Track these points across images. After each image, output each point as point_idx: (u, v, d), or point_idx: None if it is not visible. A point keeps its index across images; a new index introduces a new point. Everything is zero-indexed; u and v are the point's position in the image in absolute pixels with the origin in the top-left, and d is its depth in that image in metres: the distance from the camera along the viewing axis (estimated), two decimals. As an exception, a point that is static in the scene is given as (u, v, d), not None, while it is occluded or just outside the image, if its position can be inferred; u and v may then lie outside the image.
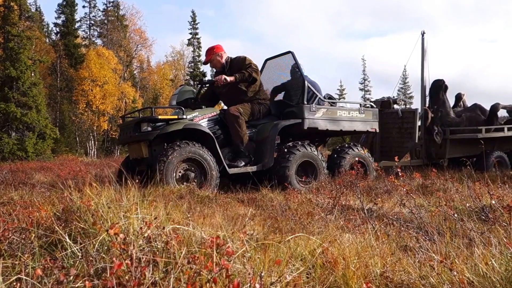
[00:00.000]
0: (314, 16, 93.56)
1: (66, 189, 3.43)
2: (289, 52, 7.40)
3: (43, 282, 1.56)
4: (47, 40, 41.53)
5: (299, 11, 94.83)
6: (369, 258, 2.22)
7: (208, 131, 6.25)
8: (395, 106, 10.78)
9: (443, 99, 10.88)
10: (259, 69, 6.84)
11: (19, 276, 1.61)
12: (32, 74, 27.04)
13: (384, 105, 10.37)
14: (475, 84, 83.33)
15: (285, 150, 6.69)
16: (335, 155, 7.40)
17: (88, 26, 43.15)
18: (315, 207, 4.32)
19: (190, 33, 45.10)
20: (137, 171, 6.17)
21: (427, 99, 11.15)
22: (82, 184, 4.41)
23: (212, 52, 6.92)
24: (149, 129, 6.08)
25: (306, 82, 7.01)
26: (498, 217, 3.12)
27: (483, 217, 3.42)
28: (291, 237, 2.37)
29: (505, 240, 2.34)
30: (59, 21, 39.92)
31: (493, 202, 3.34)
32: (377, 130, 7.97)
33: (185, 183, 5.83)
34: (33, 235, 2.29)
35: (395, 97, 11.01)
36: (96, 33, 43.55)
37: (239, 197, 5.47)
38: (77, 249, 1.99)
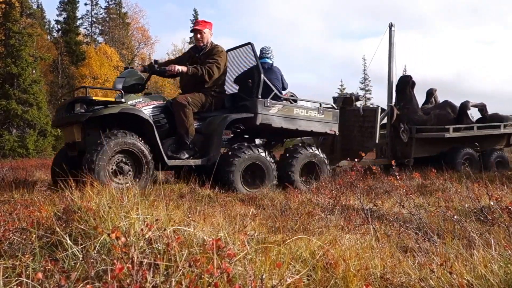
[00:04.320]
0: (310, 16, 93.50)
1: (66, 188, 3.44)
2: (248, 43, 7.03)
3: (44, 285, 1.57)
4: (48, 37, 41.49)
5: (295, 11, 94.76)
6: (369, 260, 2.22)
7: (147, 117, 5.83)
8: (357, 103, 10.14)
9: (410, 95, 10.48)
10: (223, 64, 6.51)
11: (19, 278, 1.62)
12: (33, 71, 27.04)
13: (346, 101, 9.91)
14: (471, 85, 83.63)
15: (229, 153, 6.36)
16: (287, 156, 7.01)
17: (89, 23, 43.13)
18: (315, 207, 4.32)
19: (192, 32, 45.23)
20: (70, 157, 5.93)
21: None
22: (83, 183, 4.42)
23: (207, 25, 6.62)
24: (82, 111, 5.60)
25: (262, 76, 6.57)
26: (497, 219, 3.12)
27: (482, 218, 3.43)
28: (292, 239, 2.37)
29: (504, 243, 2.35)
30: (60, 19, 39.90)
31: (492, 203, 3.34)
32: (337, 133, 7.58)
33: (119, 177, 5.50)
34: (34, 235, 2.29)
35: (358, 94, 10.38)
36: (97, 30, 43.57)
37: (240, 196, 5.48)
38: (77, 250, 2.00)
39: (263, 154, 6.50)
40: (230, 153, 6.32)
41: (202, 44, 6.56)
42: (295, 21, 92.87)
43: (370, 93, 55.01)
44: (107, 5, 42.81)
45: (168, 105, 6.25)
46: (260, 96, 6.57)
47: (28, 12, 29.86)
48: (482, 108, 11.36)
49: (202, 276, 1.50)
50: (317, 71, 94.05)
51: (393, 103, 10.37)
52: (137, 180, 5.48)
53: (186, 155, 6.14)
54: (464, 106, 10.71)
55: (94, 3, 42.56)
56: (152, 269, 1.54)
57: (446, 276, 1.92)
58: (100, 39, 43.01)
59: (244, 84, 6.98)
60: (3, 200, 4.19)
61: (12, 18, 26.20)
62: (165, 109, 6.22)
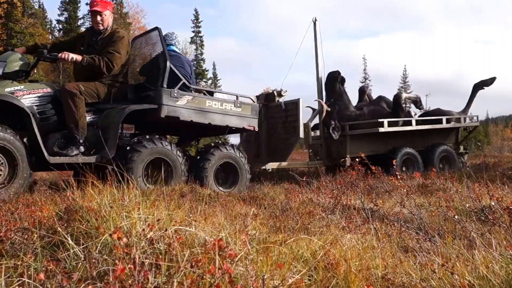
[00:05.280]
0: (309, 15, 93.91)
1: (68, 188, 3.45)
2: (156, 28, 6.40)
3: (46, 285, 1.57)
4: (50, 37, 41.49)
5: (294, 10, 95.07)
6: (371, 260, 2.23)
7: (22, 105, 4.96)
8: (281, 99, 9.25)
9: (340, 91, 9.73)
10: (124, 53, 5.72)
11: (21, 278, 1.62)
12: (35, 71, 27.07)
13: (268, 98, 9.18)
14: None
15: (128, 147, 5.52)
16: (198, 157, 6.26)
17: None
18: (316, 207, 4.33)
19: (193, 31, 45.27)
20: None
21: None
22: (84, 183, 4.42)
23: (108, 6, 5.83)
24: None
25: (168, 63, 5.79)
26: (497, 219, 3.12)
27: (483, 218, 3.43)
28: (293, 239, 2.38)
29: (505, 243, 2.35)
30: (62, 18, 39.88)
31: (493, 203, 3.34)
32: (256, 128, 6.81)
33: None
34: (35, 235, 2.30)
35: (281, 89, 9.34)
36: (98, 30, 43.62)
37: (241, 195, 5.49)
38: (79, 250, 2.00)
39: (169, 148, 5.75)
40: (128, 147, 5.54)
41: (101, 28, 5.74)
42: (294, 20, 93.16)
43: (413, 93, 54.78)
44: (108, 5, 42.88)
45: (57, 95, 5.38)
46: (165, 86, 5.79)
47: (29, 12, 29.90)
48: (416, 100, 10.63)
49: (204, 276, 1.51)
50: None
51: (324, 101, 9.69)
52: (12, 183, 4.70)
53: (75, 152, 5.24)
54: (398, 97, 9.92)
55: (95, 2, 42.59)
56: (153, 269, 1.55)
57: (447, 276, 1.92)
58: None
59: (149, 74, 6.21)
60: (4, 199, 4.19)
61: (14, 18, 26.29)
62: (54, 99, 5.36)
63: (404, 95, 10.18)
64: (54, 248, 2.19)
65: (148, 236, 1.95)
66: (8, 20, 26.25)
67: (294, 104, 8.78)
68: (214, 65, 47.22)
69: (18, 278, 1.68)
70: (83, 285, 1.54)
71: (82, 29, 41.33)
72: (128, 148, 5.51)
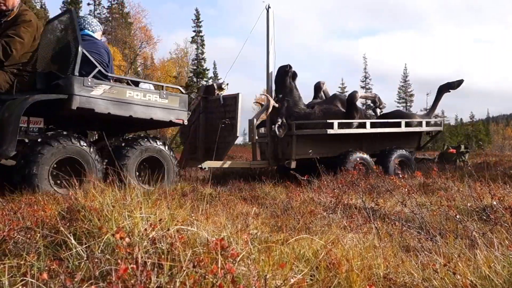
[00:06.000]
0: (309, 15, 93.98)
1: (70, 188, 3.46)
2: (69, 10, 5.85)
3: (49, 285, 1.58)
4: (51, 37, 41.52)
5: (294, 10, 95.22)
6: (372, 260, 2.23)
7: None
8: (221, 93, 8.40)
9: (291, 87, 8.80)
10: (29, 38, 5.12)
11: (24, 278, 1.63)
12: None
13: (208, 90, 8.43)
14: (470, 84, 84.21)
15: (31, 147, 4.86)
16: (117, 152, 5.59)
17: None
18: (317, 206, 4.33)
19: (194, 31, 45.34)
20: None
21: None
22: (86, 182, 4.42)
23: None
24: None
25: (80, 48, 5.09)
26: (499, 218, 3.12)
27: (485, 217, 3.43)
28: (294, 239, 2.38)
29: (507, 242, 2.35)
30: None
31: (494, 202, 3.34)
32: (185, 122, 6.19)
33: None
34: (38, 234, 2.30)
35: (223, 82, 8.54)
36: (100, 30, 43.62)
37: (242, 195, 5.50)
38: (82, 249, 2.01)
39: (80, 146, 5.09)
40: (32, 146, 4.88)
41: (4, 9, 5.08)
42: (294, 20, 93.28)
43: (370, 92, 54.77)
44: (110, 5, 42.89)
45: None
46: (77, 73, 5.08)
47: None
48: (374, 99, 9.94)
49: (206, 276, 1.51)
50: (316, 70, 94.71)
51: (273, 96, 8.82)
52: None
53: None
54: (352, 97, 9.05)
55: (97, 3, 42.62)
56: (156, 269, 1.55)
57: (449, 276, 1.92)
58: (103, 39, 43.07)
59: (60, 61, 5.45)
60: (8, 198, 4.20)
61: (15, 17, 26.23)
62: None
63: (359, 94, 9.33)
64: (56, 248, 2.19)
65: (150, 236, 1.95)
66: (9, 19, 26.25)
67: (233, 99, 8.00)
68: (214, 64, 47.38)
69: (21, 278, 1.69)
70: (86, 284, 1.54)
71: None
72: (32, 146, 4.89)
